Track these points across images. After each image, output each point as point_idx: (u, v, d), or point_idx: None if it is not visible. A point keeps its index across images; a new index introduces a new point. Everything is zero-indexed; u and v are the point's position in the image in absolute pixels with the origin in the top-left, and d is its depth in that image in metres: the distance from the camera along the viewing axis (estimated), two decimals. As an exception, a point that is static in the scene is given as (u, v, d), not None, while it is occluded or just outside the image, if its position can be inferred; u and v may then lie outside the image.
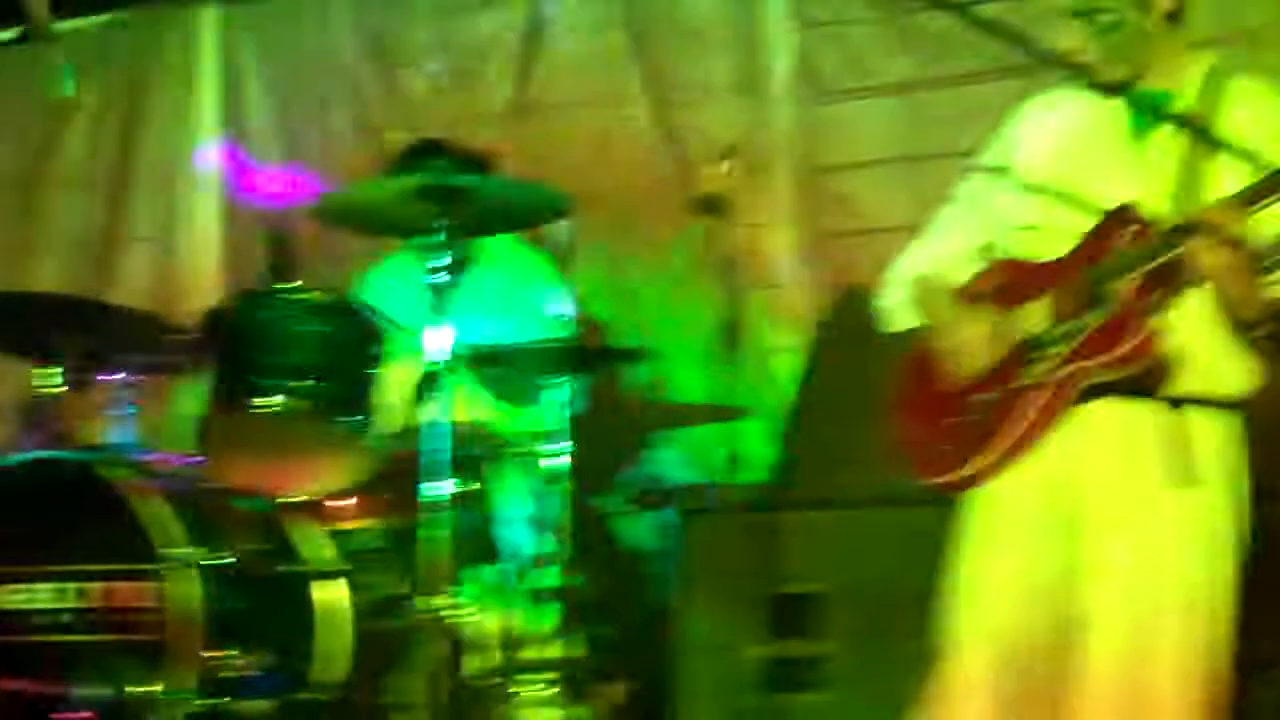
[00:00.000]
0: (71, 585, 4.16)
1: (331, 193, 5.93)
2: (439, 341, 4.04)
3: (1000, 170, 3.46)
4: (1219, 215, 2.95)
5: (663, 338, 6.24)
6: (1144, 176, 3.24)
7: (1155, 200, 3.19)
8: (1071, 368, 3.16)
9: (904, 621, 4.65)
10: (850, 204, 6.26)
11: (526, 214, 4.74)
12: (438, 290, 4.05)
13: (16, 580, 4.22)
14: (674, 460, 6.12)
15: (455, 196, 4.14)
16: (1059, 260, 3.29)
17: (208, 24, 7.12)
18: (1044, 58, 3.11)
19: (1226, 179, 3.11)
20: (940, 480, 3.36)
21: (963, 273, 3.46)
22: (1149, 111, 3.15)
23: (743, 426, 5.69)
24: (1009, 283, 3.34)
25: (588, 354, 5.15)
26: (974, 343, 3.33)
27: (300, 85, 7.00)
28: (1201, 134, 3.07)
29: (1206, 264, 2.97)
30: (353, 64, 6.91)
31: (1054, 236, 3.32)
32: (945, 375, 3.40)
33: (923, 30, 6.12)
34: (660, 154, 6.45)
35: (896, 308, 3.58)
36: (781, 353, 6.16)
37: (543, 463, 4.90)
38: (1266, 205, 2.94)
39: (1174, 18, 3.28)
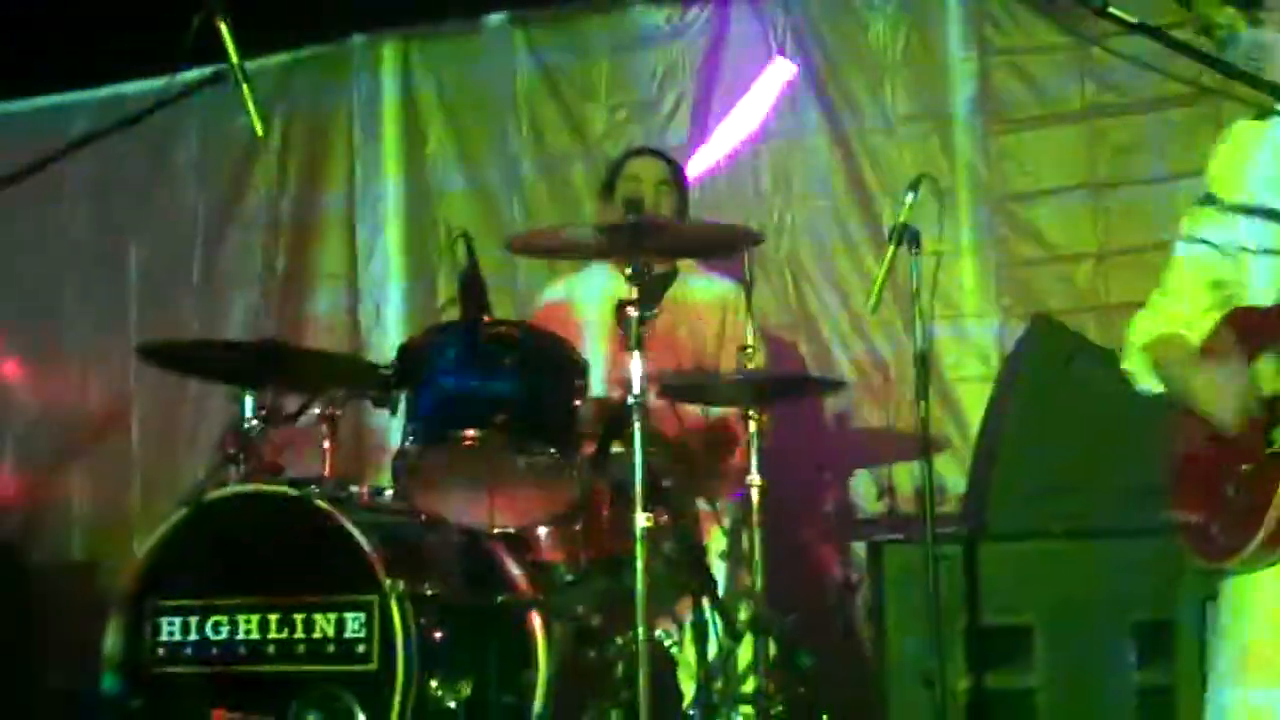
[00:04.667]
0: (284, 616, 4.21)
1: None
2: (634, 372, 4.03)
3: (1218, 202, 3.37)
4: None
5: (850, 367, 6.26)
6: None
7: None
8: None
9: (1112, 655, 4.62)
10: (1034, 232, 6.22)
11: (716, 246, 4.80)
12: (634, 321, 4.03)
13: (228, 611, 4.28)
14: (865, 491, 6.12)
15: (644, 235, 4.16)
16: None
17: (388, 60, 7.22)
18: (1238, 78, 3.02)
19: None
20: (1215, 565, 3.25)
21: (1200, 327, 3.38)
22: None
23: (933, 457, 5.66)
24: (1242, 333, 3.25)
25: (782, 383, 5.14)
26: (1217, 400, 3.23)
27: (480, 118, 7.07)
28: None
29: None
30: (532, 98, 6.97)
31: None
32: (1202, 441, 3.30)
33: (1102, 56, 6.07)
34: (841, 184, 6.44)
35: (1139, 373, 3.49)
36: (968, 383, 6.14)
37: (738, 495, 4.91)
38: None
39: None
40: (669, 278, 5.35)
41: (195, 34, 3.66)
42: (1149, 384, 3.43)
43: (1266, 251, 3.24)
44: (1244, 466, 3.13)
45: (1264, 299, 3.23)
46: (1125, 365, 3.49)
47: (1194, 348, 3.33)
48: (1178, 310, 3.41)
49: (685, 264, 5.40)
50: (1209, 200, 3.39)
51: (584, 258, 5.23)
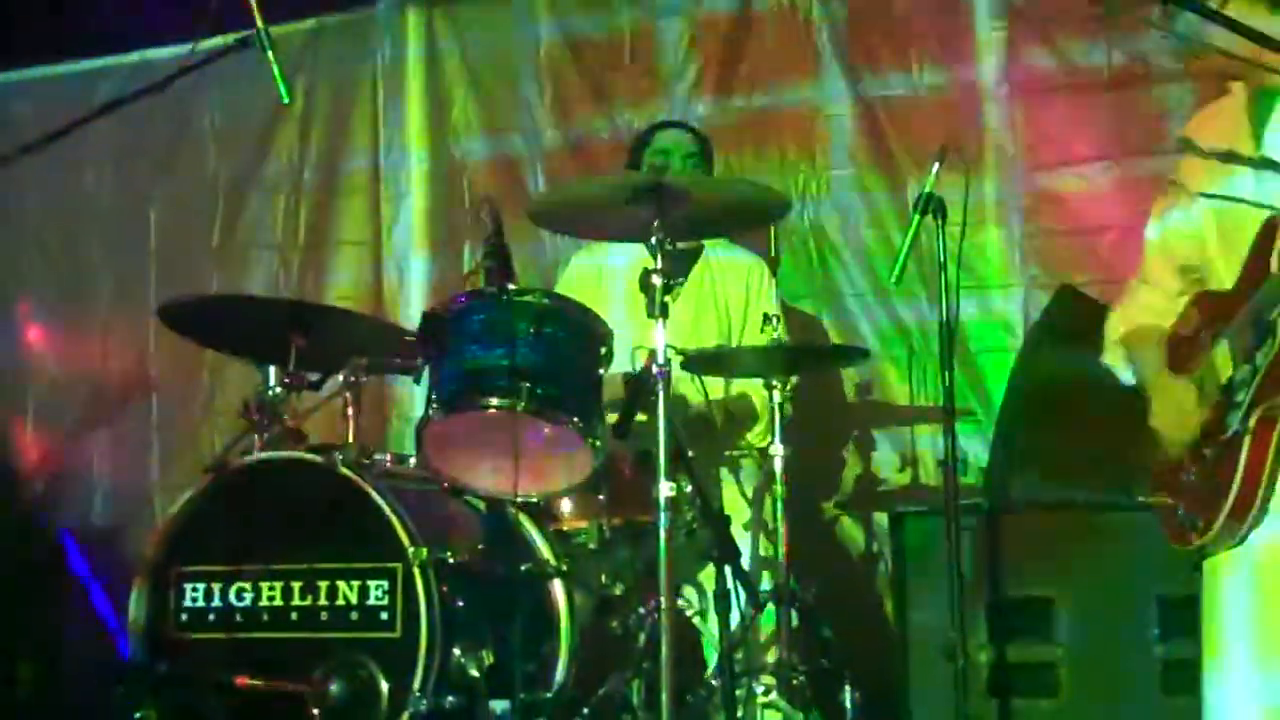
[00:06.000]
0: (307, 583, 4.23)
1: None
2: (657, 341, 4.02)
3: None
4: None
5: (875, 338, 6.25)
6: None
7: None
8: (1260, 410, 3.08)
9: (1134, 628, 4.62)
10: (1060, 203, 6.18)
11: (743, 215, 4.76)
12: (656, 291, 4.01)
13: (251, 577, 4.29)
14: (887, 462, 6.12)
15: (669, 198, 4.12)
16: (1235, 287, 3.23)
17: (413, 26, 7.20)
18: (1272, 48, 3.01)
19: None
20: (1187, 547, 3.27)
21: (1171, 313, 3.42)
22: None
23: (956, 428, 5.65)
24: (1206, 319, 3.27)
25: (805, 354, 5.13)
26: (1182, 413, 3.26)
27: (504, 86, 7.05)
28: None
29: None
30: (556, 66, 6.95)
31: None
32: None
33: (1131, 26, 6.03)
34: (866, 154, 6.42)
35: (1117, 366, 3.55)
36: (992, 354, 6.12)
37: (761, 465, 4.92)
38: None
39: None
40: (695, 253, 5.34)
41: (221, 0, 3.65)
42: (1128, 376, 3.48)
43: None
44: (1206, 450, 3.16)
45: None
46: (1105, 359, 3.54)
47: (1164, 335, 3.37)
48: (1150, 299, 3.45)
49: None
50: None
51: (606, 238, 5.16)
